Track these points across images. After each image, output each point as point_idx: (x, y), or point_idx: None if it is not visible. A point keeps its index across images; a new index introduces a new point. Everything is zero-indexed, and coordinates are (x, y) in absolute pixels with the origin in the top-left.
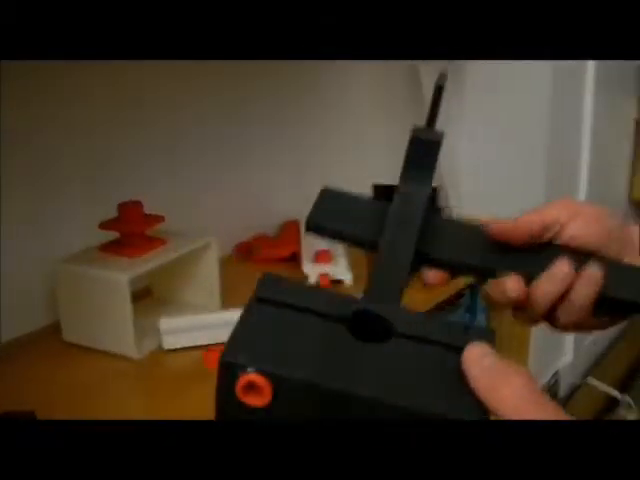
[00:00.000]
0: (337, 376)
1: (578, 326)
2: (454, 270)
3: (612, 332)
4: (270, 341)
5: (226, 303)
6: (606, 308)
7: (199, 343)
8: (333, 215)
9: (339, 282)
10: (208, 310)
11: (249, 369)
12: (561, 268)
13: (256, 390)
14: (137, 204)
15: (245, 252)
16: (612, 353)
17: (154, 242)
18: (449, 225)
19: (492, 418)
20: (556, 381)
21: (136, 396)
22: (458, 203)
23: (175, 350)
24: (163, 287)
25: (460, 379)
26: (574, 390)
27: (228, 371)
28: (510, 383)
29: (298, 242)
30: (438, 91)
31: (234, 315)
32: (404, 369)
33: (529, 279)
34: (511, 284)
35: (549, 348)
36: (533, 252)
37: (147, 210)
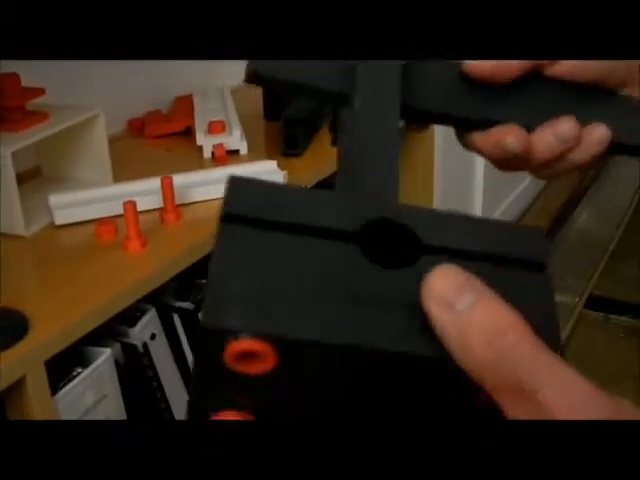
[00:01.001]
0: (368, 330)
1: (559, 174)
2: (436, 120)
3: (531, 191)
4: (262, 287)
5: (118, 179)
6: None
7: (91, 217)
8: (284, 63)
9: (235, 152)
10: (100, 186)
11: (241, 334)
12: (567, 127)
13: (253, 356)
14: (14, 76)
15: (138, 128)
16: (534, 206)
17: (36, 116)
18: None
19: None
20: None
21: (28, 273)
22: None
23: (67, 226)
24: (52, 165)
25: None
26: None
27: (211, 339)
28: None
29: (191, 116)
30: None
31: (125, 188)
32: None
33: (527, 130)
34: (513, 137)
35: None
36: (527, 93)
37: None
